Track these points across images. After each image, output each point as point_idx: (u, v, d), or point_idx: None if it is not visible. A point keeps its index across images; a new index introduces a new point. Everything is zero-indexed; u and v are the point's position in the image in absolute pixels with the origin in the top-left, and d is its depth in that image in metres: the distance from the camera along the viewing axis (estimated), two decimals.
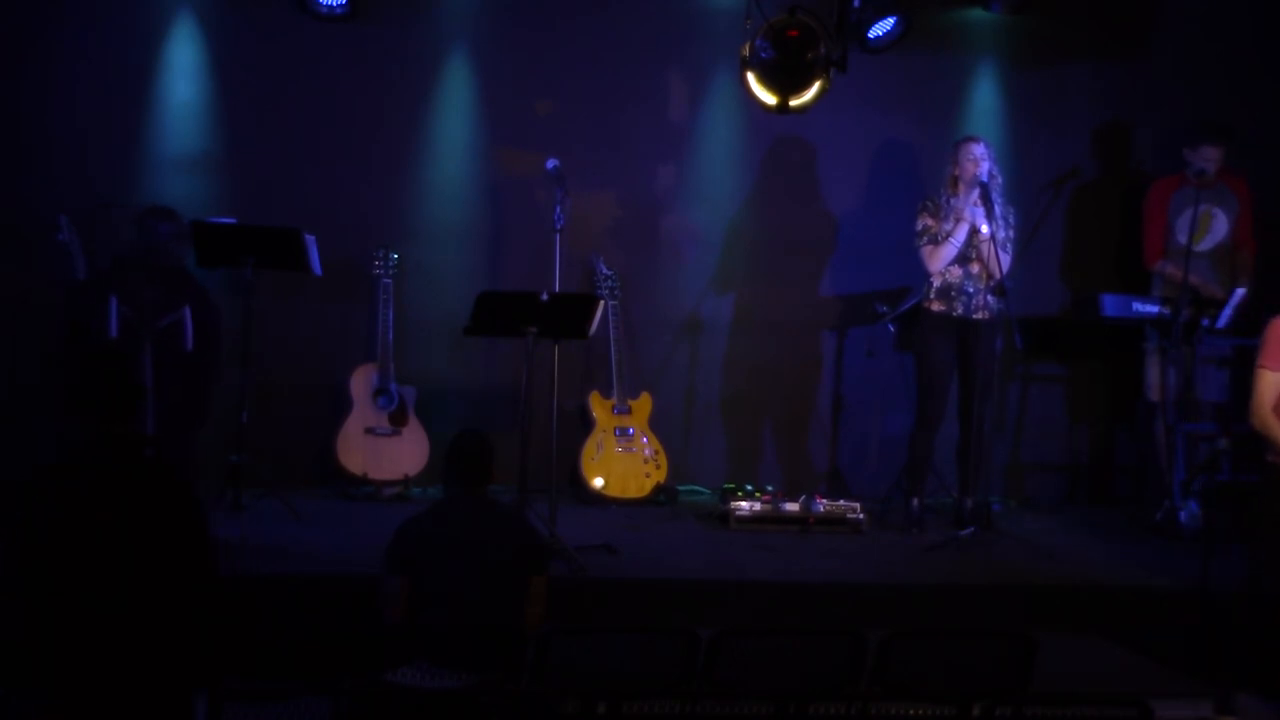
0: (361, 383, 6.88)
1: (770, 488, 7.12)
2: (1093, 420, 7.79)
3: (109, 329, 5.74)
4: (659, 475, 7.06)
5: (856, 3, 6.40)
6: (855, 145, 7.52)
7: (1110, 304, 6.85)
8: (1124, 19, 7.59)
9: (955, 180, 6.59)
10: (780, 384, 7.59)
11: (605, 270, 7.13)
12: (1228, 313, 6.66)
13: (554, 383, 6.20)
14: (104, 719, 3.53)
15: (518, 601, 4.51)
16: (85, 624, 3.48)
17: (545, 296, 5.75)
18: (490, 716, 3.71)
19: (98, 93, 6.88)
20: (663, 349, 7.47)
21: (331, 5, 6.88)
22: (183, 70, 6.99)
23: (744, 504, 6.55)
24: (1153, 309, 6.81)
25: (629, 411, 7.10)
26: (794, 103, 5.55)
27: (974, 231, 6.49)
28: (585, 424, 7.09)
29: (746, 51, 5.52)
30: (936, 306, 6.61)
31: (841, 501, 6.63)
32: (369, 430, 6.84)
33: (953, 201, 6.56)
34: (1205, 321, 6.70)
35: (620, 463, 7.02)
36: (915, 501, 6.69)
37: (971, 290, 6.54)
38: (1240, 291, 6.70)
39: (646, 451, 7.07)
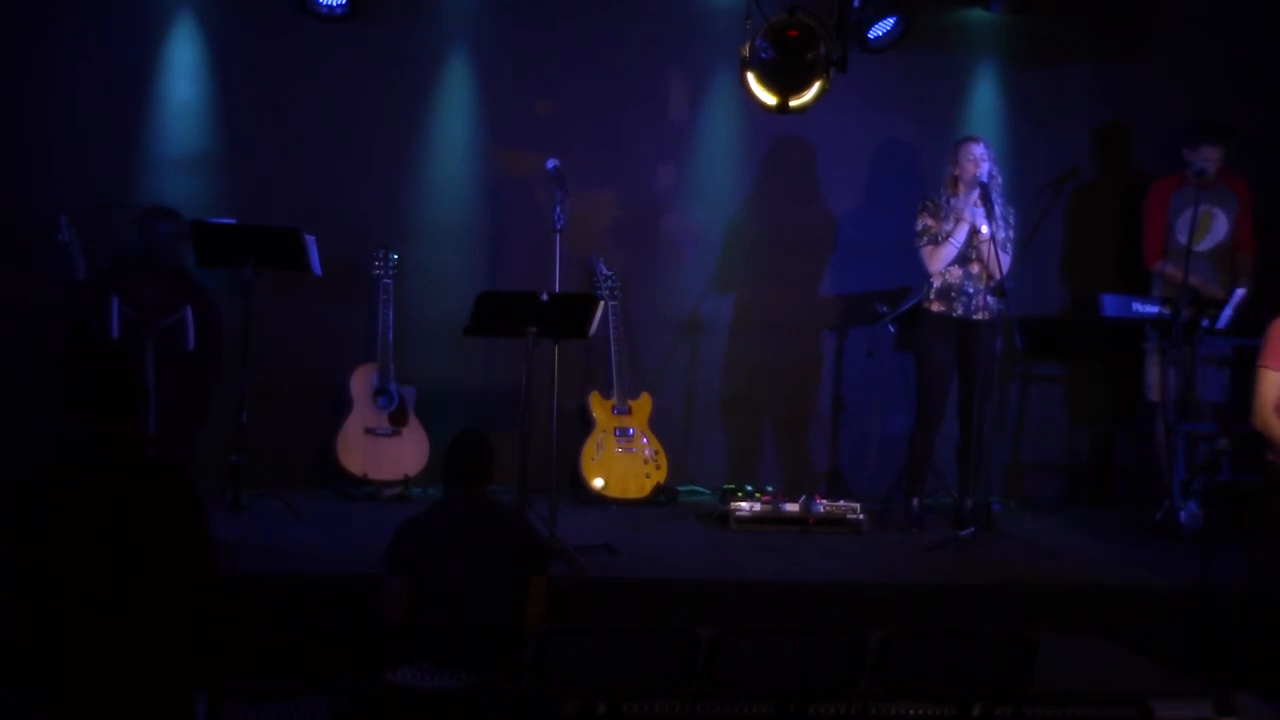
0: (361, 383, 6.88)
1: (770, 488, 7.12)
2: (1093, 420, 7.79)
3: (110, 329, 5.74)
4: (659, 475, 7.06)
5: (856, 3, 6.41)
6: (855, 145, 7.52)
7: (1110, 304, 6.85)
8: (1124, 19, 7.59)
9: (955, 180, 6.59)
10: (780, 384, 7.59)
11: (605, 270, 7.13)
12: (1228, 313, 6.66)
13: (554, 383, 6.20)
14: (104, 719, 3.53)
15: (518, 601, 4.51)
16: (85, 624, 3.48)
17: (545, 296, 5.75)
18: (490, 716, 3.71)
19: (98, 93, 6.88)
20: (663, 349, 7.47)
21: (331, 5, 6.87)
22: (183, 70, 6.99)
23: (744, 504, 6.55)
24: (1153, 309, 6.81)
25: (629, 412, 7.10)
26: (794, 103, 5.55)
27: (974, 232, 6.49)
28: (585, 424, 7.10)
29: (746, 51, 5.52)
30: (936, 307, 6.61)
31: (841, 502, 6.63)
32: (369, 430, 6.84)
33: (953, 202, 6.56)
34: (1205, 322, 6.70)
35: (620, 463, 7.02)
36: (915, 501, 6.69)
37: (971, 290, 6.54)
38: (1240, 292, 6.70)
39: (646, 452, 7.07)
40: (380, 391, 6.87)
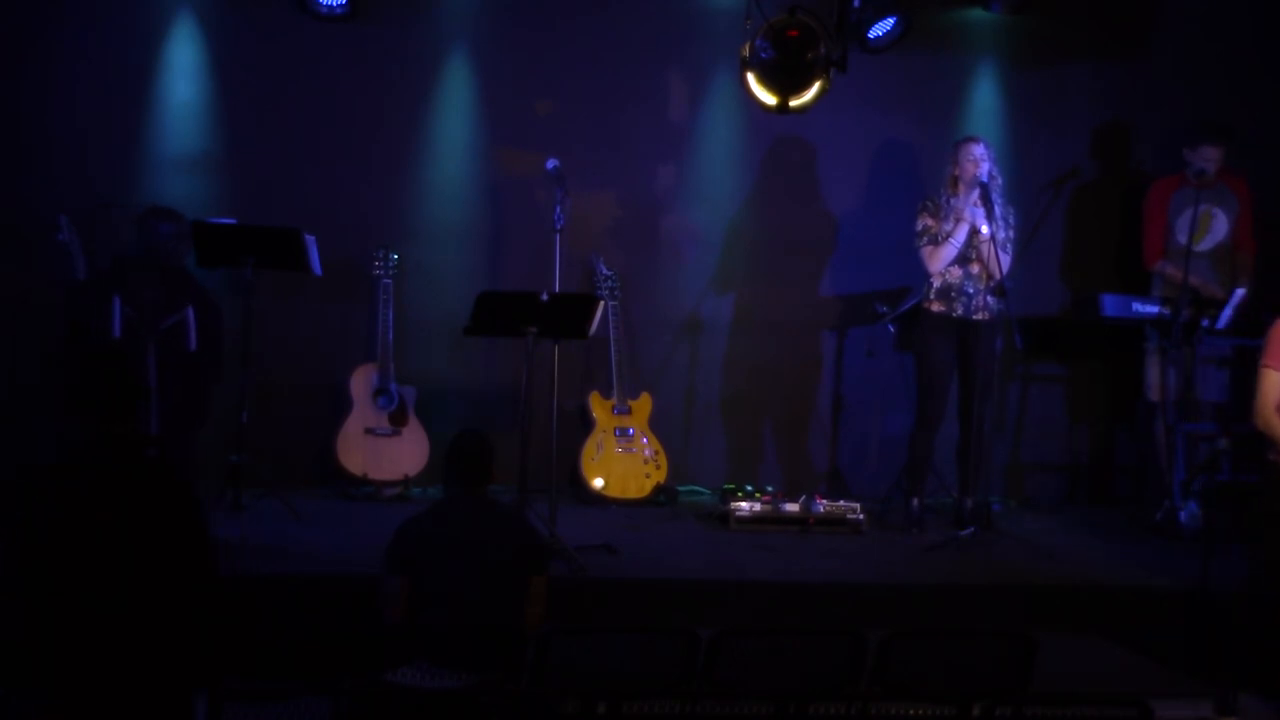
0: (361, 383, 6.88)
1: (770, 488, 7.12)
2: (1093, 420, 7.79)
3: (112, 329, 5.74)
4: (659, 475, 7.06)
5: (856, 3, 6.41)
6: (855, 145, 7.52)
7: (1110, 304, 6.85)
8: (1124, 19, 7.59)
9: (955, 180, 6.59)
10: (780, 384, 7.59)
11: (605, 270, 7.13)
12: (1228, 313, 6.66)
13: (554, 383, 6.20)
14: (104, 719, 3.53)
15: (518, 601, 4.51)
16: (85, 624, 3.48)
17: (545, 296, 5.75)
18: (490, 716, 3.71)
19: (98, 93, 6.88)
20: (663, 349, 7.47)
21: (331, 5, 6.87)
22: (183, 70, 6.99)
23: (744, 504, 6.55)
24: (1153, 309, 6.81)
25: (629, 412, 7.10)
26: (794, 103, 5.55)
27: (974, 232, 6.49)
28: (585, 424, 7.09)
29: (746, 51, 5.52)
30: (936, 307, 6.60)
31: (841, 501, 6.63)
32: (369, 430, 6.84)
33: (953, 202, 6.56)
34: (1205, 322, 6.70)
35: (620, 463, 7.02)
36: (915, 501, 6.69)
37: (971, 291, 6.54)
38: (1240, 292, 6.70)
39: (646, 452, 7.07)
40: (380, 391, 6.87)
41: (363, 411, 6.85)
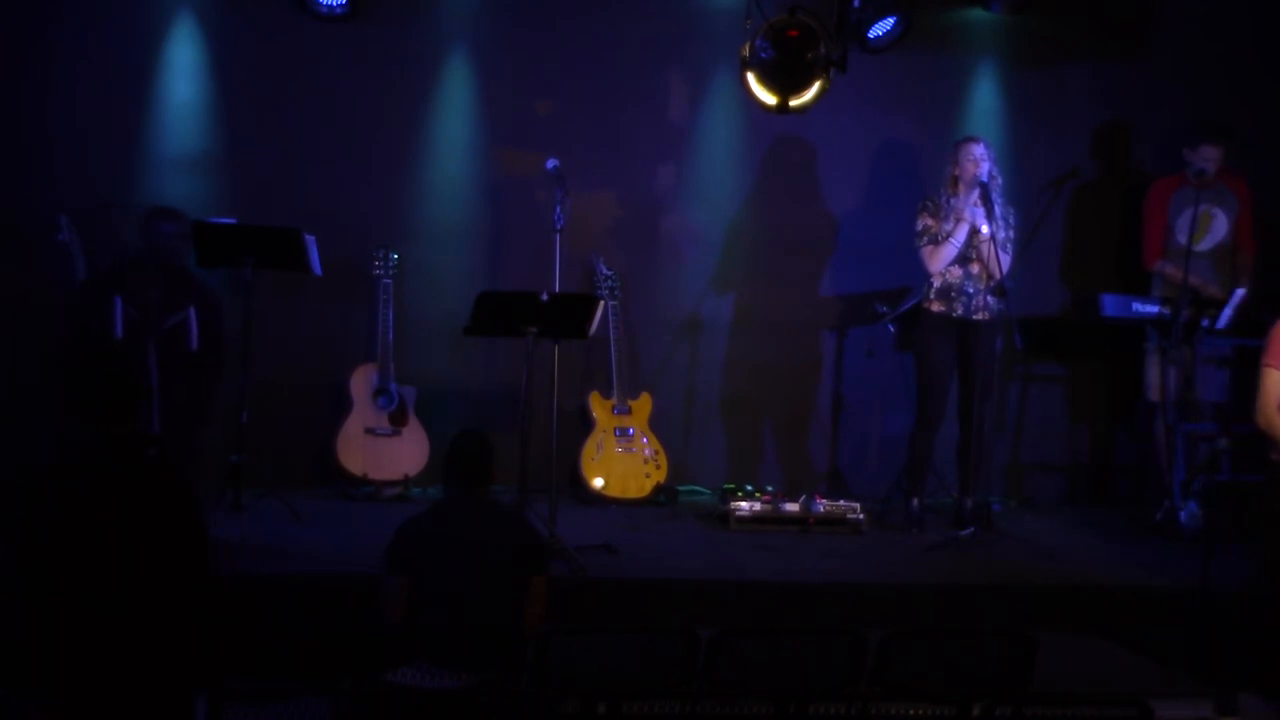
0: (361, 383, 6.88)
1: (770, 488, 7.11)
2: (1093, 420, 7.79)
3: (114, 329, 5.74)
4: (659, 475, 7.06)
5: (856, 3, 6.41)
6: (855, 145, 7.52)
7: (1110, 304, 6.85)
8: (1124, 19, 7.59)
9: (955, 180, 6.59)
10: (780, 384, 7.59)
11: (605, 270, 7.13)
12: (1228, 313, 6.66)
13: (554, 383, 6.19)
14: (104, 719, 3.53)
15: (518, 601, 4.51)
16: (85, 624, 3.48)
17: (545, 296, 5.75)
18: (490, 716, 3.71)
19: (98, 93, 6.88)
20: (663, 349, 7.47)
21: (331, 5, 6.87)
22: (183, 70, 6.99)
23: (744, 504, 6.55)
24: (1153, 309, 6.81)
25: (629, 412, 7.10)
26: (794, 103, 5.55)
27: (974, 232, 6.49)
28: (585, 424, 7.09)
29: (746, 51, 5.52)
30: (936, 307, 6.60)
31: (841, 501, 6.63)
32: (369, 430, 6.84)
33: (953, 202, 6.56)
34: (1205, 322, 6.71)
35: (620, 463, 7.02)
36: (915, 501, 6.69)
37: (971, 290, 6.54)
38: (1240, 292, 6.70)
39: (646, 452, 7.07)
40: (380, 391, 6.87)
41: (363, 411, 6.85)
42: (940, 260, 6.54)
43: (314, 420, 6.97)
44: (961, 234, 6.51)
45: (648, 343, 7.43)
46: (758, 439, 7.63)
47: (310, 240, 6.40)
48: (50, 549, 3.50)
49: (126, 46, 6.93)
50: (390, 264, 6.93)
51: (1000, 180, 6.61)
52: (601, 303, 6.26)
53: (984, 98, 7.59)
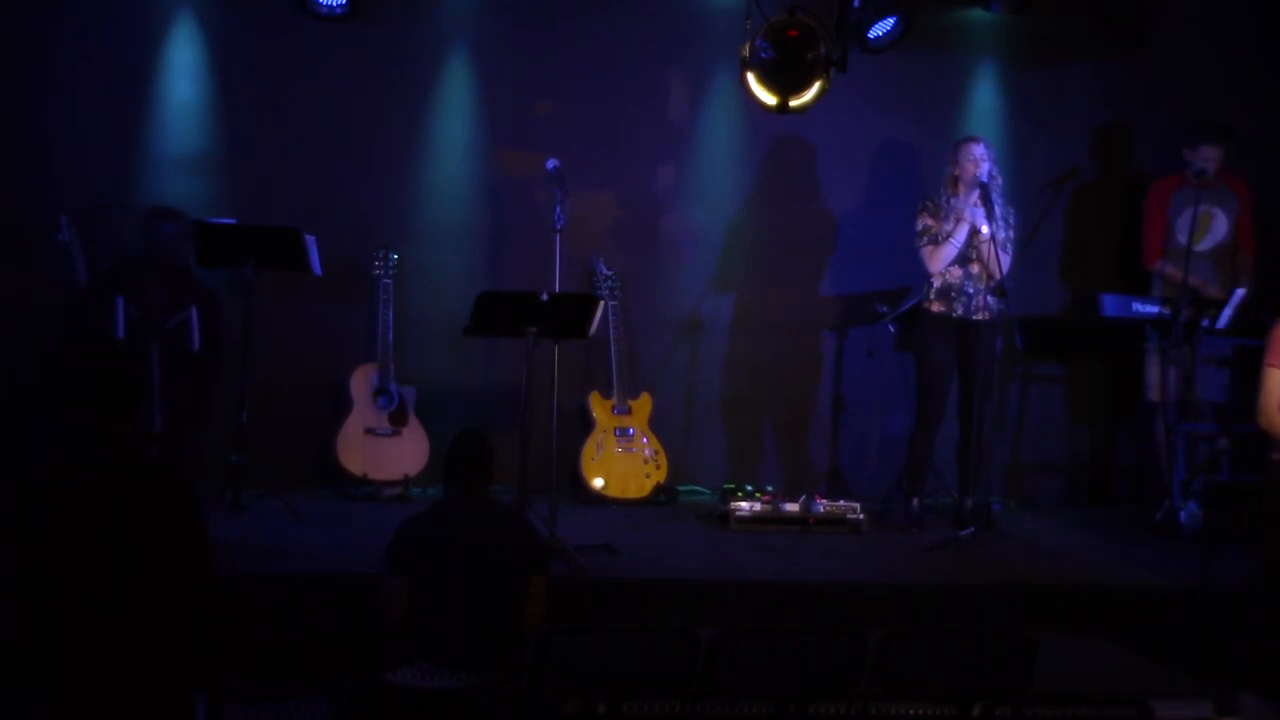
0: (361, 383, 6.88)
1: (770, 488, 7.11)
2: (1093, 420, 7.79)
3: (116, 329, 5.74)
4: (659, 475, 7.06)
5: (856, 3, 6.41)
6: (855, 145, 7.52)
7: (1110, 304, 6.85)
8: (1124, 19, 7.59)
9: (955, 180, 6.59)
10: (780, 384, 7.59)
11: (605, 270, 7.13)
12: (1228, 313, 6.66)
13: (554, 383, 6.19)
14: (104, 719, 3.53)
15: (518, 601, 4.51)
16: (85, 624, 3.49)
17: (545, 296, 5.75)
18: (490, 716, 3.71)
19: (98, 93, 6.88)
20: (663, 349, 7.47)
21: (331, 5, 6.87)
22: (183, 70, 6.99)
23: (744, 504, 6.55)
24: (1153, 309, 6.81)
25: (629, 412, 7.10)
26: (794, 103, 5.55)
27: (974, 232, 6.49)
28: (585, 424, 7.09)
29: (746, 51, 5.52)
30: (936, 307, 6.60)
31: (841, 501, 6.63)
32: (369, 430, 6.84)
33: (953, 202, 6.56)
34: (1205, 322, 6.71)
35: (620, 463, 7.02)
36: (915, 501, 6.69)
37: (971, 291, 6.54)
38: (1240, 292, 6.70)
39: (646, 452, 7.07)
40: (380, 391, 6.87)
41: (363, 411, 6.85)
42: (940, 260, 6.54)
43: (314, 420, 6.97)
44: (961, 234, 6.50)
45: (648, 343, 7.43)
46: (758, 439, 7.63)
47: (310, 240, 6.40)
48: (50, 549, 3.50)
49: (126, 46, 6.93)
50: (390, 264, 6.93)
51: (1000, 180, 6.61)
52: (601, 303, 6.26)
53: (984, 98, 7.59)
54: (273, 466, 6.47)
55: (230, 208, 6.71)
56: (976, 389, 6.41)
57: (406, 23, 7.13)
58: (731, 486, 7.07)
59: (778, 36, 5.44)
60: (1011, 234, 6.63)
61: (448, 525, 4.58)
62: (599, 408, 7.07)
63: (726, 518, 6.52)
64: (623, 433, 7.05)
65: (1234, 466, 6.66)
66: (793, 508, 6.53)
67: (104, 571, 3.50)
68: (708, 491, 7.36)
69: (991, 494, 7.06)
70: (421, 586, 4.43)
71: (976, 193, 6.44)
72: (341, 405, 6.89)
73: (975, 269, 6.55)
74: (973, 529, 6.33)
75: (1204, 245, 7.01)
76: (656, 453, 7.08)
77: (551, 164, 6.39)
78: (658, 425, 7.16)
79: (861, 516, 6.52)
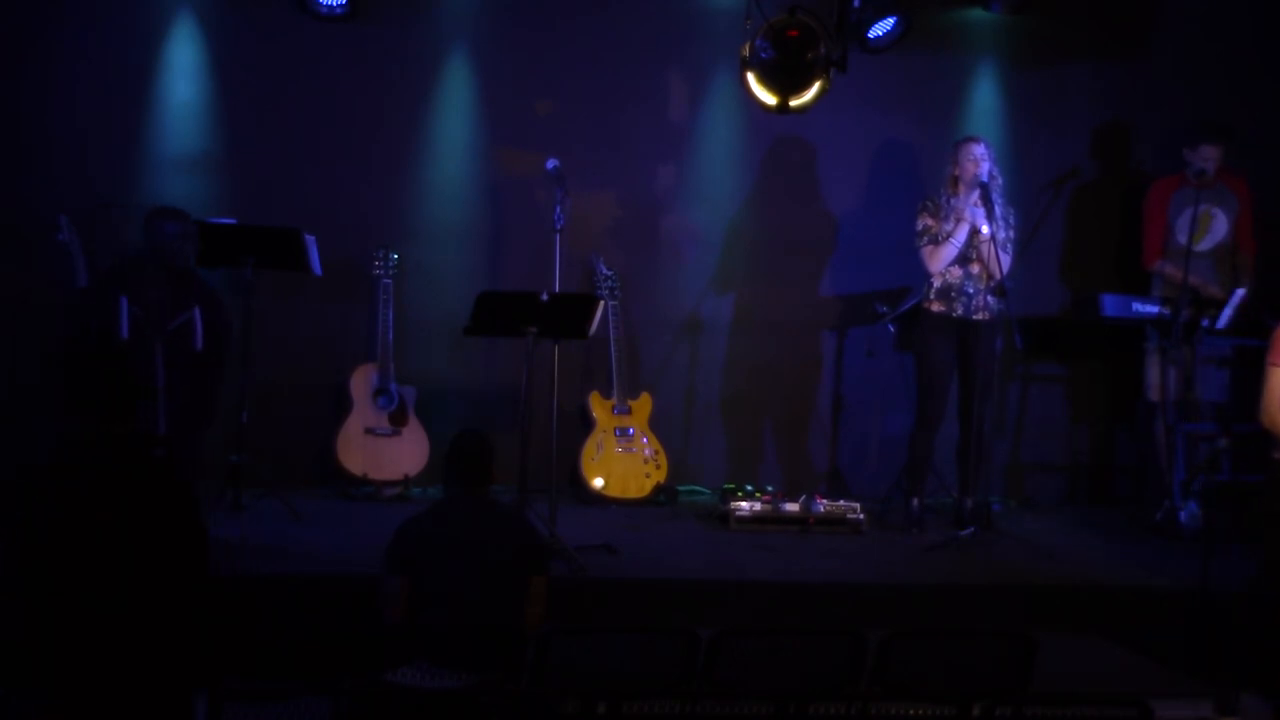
0: (361, 383, 6.88)
1: (770, 488, 7.12)
2: (1093, 420, 7.79)
3: (119, 330, 5.73)
4: (659, 475, 7.06)
5: (856, 3, 6.40)
6: (855, 145, 7.52)
7: (1110, 304, 6.85)
8: (1124, 19, 7.58)
9: (955, 180, 6.59)
10: (780, 384, 7.59)
11: (605, 270, 7.13)
12: (1228, 313, 6.66)
13: (554, 383, 6.19)
14: (104, 719, 3.53)
15: (518, 601, 4.51)
16: (85, 624, 3.49)
17: (545, 296, 5.75)
18: (490, 716, 3.71)
19: (98, 93, 6.88)
20: (663, 349, 7.47)
21: (331, 5, 6.87)
22: (183, 70, 6.98)
23: (744, 504, 6.55)
24: (1153, 309, 6.81)
25: (629, 412, 7.10)
26: (794, 103, 5.55)
27: (974, 232, 6.49)
28: (585, 424, 7.09)
29: (746, 51, 5.52)
30: (936, 307, 6.60)
31: (841, 501, 6.63)
32: (369, 430, 6.84)
33: (953, 202, 6.56)
34: (1205, 322, 6.71)
35: (620, 463, 7.02)
36: (915, 501, 6.69)
37: (972, 291, 6.54)
38: (1240, 292, 6.70)
39: (646, 452, 7.07)
40: (380, 391, 6.87)
41: (363, 411, 6.85)
42: (940, 260, 6.54)
43: (314, 420, 6.97)
44: (962, 234, 6.51)
45: (648, 343, 7.43)
46: (758, 439, 7.63)
47: (310, 240, 6.40)
48: (50, 549, 3.50)
49: (126, 46, 6.93)
50: (390, 264, 6.93)
51: (1000, 180, 6.61)
52: (601, 303, 6.27)
53: (984, 98, 7.58)
54: (273, 466, 6.47)
55: (230, 208, 6.71)
56: (976, 389, 6.41)
57: (406, 23, 7.13)
58: (731, 486, 7.07)
59: (778, 36, 5.44)
60: (1012, 234, 6.63)
61: (448, 525, 4.59)
62: (599, 408, 7.07)
63: (726, 518, 6.52)
64: (623, 433, 7.05)
65: (1234, 466, 6.66)
66: (793, 508, 6.53)
67: (104, 571, 3.51)
68: (708, 491, 7.36)
69: (991, 494, 7.06)
70: (421, 586, 4.43)
71: (977, 193, 6.44)
72: (341, 405, 6.89)
73: (975, 269, 6.55)
74: (973, 529, 6.33)
75: (1204, 245, 7.01)
76: (656, 453, 7.08)
77: (551, 164, 6.39)
78: (658, 425, 7.16)
79: (861, 516, 6.52)
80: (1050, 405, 7.76)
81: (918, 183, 7.19)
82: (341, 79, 7.10)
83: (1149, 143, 7.63)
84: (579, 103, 7.31)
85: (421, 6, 7.16)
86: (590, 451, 7.00)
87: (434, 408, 6.97)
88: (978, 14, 7.50)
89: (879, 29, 7.12)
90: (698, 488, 7.40)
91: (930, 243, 6.55)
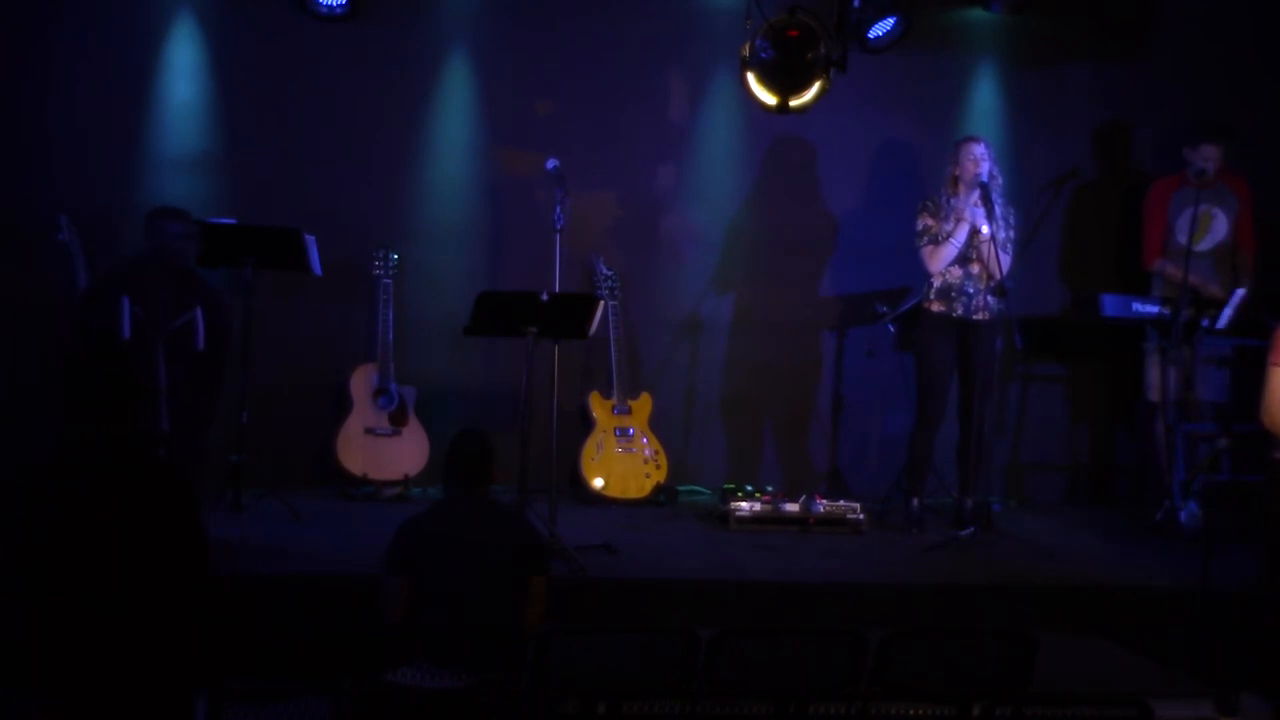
0: (361, 383, 6.88)
1: (770, 488, 7.12)
2: (1093, 420, 7.79)
3: (121, 330, 5.73)
4: (659, 475, 7.06)
5: (856, 3, 6.40)
6: (855, 145, 7.52)
7: (1110, 304, 6.85)
8: (1124, 19, 7.59)
9: (955, 180, 6.59)
10: (780, 384, 7.59)
11: (605, 270, 7.13)
12: (1228, 313, 6.66)
13: (554, 383, 6.19)
14: (104, 719, 3.53)
15: (518, 601, 4.51)
16: (85, 624, 3.48)
17: (545, 296, 5.75)
18: (490, 716, 3.71)
19: (98, 93, 6.88)
20: (663, 349, 7.47)
21: (331, 5, 6.87)
22: (183, 70, 6.99)
23: (744, 504, 6.55)
24: (1153, 309, 6.81)
25: (629, 412, 7.10)
26: (794, 103, 5.54)
27: (974, 232, 6.49)
28: (585, 424, 7.09)
29: (746, 51, 5.52)
30: (936, 307, 6.60)
31: (841, 501, 6.63)
32: (369, 430, 6.84)
33: (953, 202, 6.56)
34: (1205, 322, 6.71)
35: (620, 463, 7.02)
36: (915, 501, 6.69)
37: (972, 290, 6.54)
38: (1240, 292, 6.70)
39: (646, 452, 7.07)
40: (380, 391, 6.87)
41: (363, 411, 6.85)
42: (940, 260, 6.54)
43: (314, 420, 6.97)
44: (962, 234, 6.51)
45: (648, 343, 7.44)
46: (758, 439, 7.63)
47: (310, 240, 6.40)
48: (50, 549, 3.50)
49: (126, 46, 6.93)
50: (390, 264, 6.93)
51: (1000, 180, 6.61)
52: (601, 303, 6.27)
53: (984, 98, 7.58)
54: (273, 466, 6.47)
55: (230, 208, 6.71)
56: (976, 389, 6.41)
57: (406, 23, 7.13)
58: (731, 486, 7.07)
59: (778, 36, 5.44)
60: (1012, 234, 6.63)
61: (448, 525, 4.58)
62: (599, 408, 7.07)
63: (726, 518, 6.52)
64: (623, 433, 7.05)
65: (1234, 466, 6.66)
66: (793, 508, 6.53)
67: (104, 571, 3.50)
68: (708, 491, 7.36)
69: (991, 494, 7.06)
70: (421, 586, 4.43)
71: (977, 193, 6.44)
72: (341, 405, 6.89)
73: (975, 269, 6.55)
74: (973, 529, 6.33)
75: (1204, 245, 7.01)
76: (656, 453, 7.08)
77: (551, 164, 6.38)
78: (658, 425, 7.16)
79: (861, 516, 6.52)
80: (1050, 405, 7.76)
81: (918, 183, 7.19)
82: (341, 79, 7.10)
83: (1149, 143, 7.63)
84: (579, 103, 7.31)
85: (421, 6, 7.17)
86: (590, 451, 7.00)
87: (434, 408, 6.97)
88: (978, 14, 7.51)
89: (879, 29, 7.12)
90: (698, 488, 7.40)
91: (930, 243, 6.55)
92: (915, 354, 6.81)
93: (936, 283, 6.59)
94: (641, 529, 6.48)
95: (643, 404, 7.14)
